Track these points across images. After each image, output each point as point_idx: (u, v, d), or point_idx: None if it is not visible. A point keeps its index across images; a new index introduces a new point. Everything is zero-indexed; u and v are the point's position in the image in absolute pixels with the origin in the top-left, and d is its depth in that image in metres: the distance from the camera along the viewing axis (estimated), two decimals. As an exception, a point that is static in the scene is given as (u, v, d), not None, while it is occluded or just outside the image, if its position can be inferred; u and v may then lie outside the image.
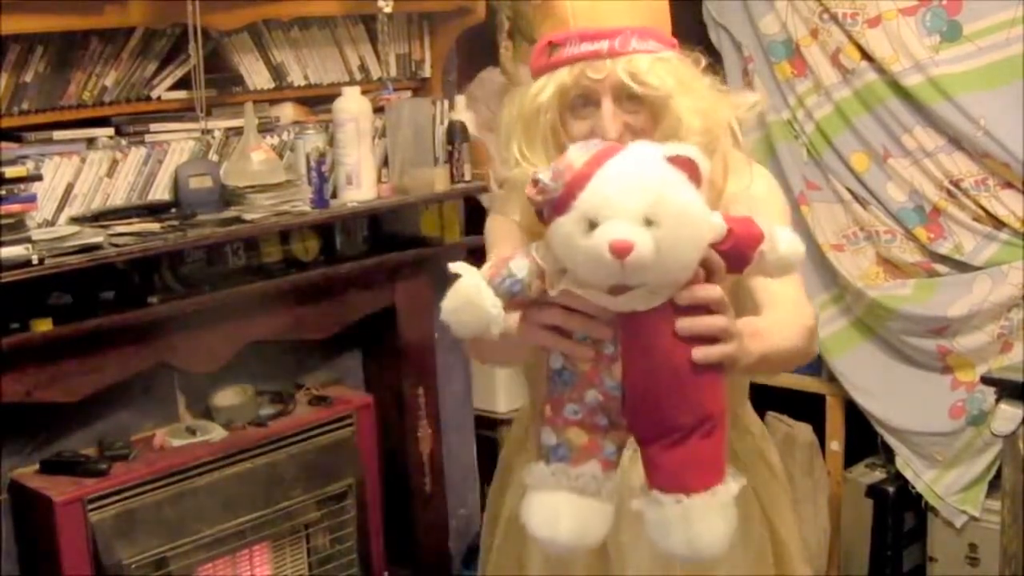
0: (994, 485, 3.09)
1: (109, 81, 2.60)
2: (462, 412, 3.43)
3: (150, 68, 2.66)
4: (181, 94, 2.70)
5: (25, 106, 2.49)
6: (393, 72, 3.08)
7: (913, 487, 3.28)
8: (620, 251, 1.16)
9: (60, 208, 2.51)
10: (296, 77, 2.94)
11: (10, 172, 2.34)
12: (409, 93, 3.17)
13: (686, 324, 1.25)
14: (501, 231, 1.71)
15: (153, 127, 2.68)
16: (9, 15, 2.33)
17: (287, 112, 2.95)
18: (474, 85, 3.41)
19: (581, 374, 1.28)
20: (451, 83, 3.32)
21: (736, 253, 1.28)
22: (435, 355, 3.22)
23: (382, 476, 3.12)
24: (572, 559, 1.70)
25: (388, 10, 2.90)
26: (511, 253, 1.31)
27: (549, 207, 1.24)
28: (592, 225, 1.19)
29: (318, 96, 3.00)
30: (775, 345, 1.45)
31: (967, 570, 3.20)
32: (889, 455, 3.36)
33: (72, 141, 2.55)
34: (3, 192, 2.32)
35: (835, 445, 3.40)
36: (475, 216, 3.15)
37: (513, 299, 1.27)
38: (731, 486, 1.28)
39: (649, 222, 1.18)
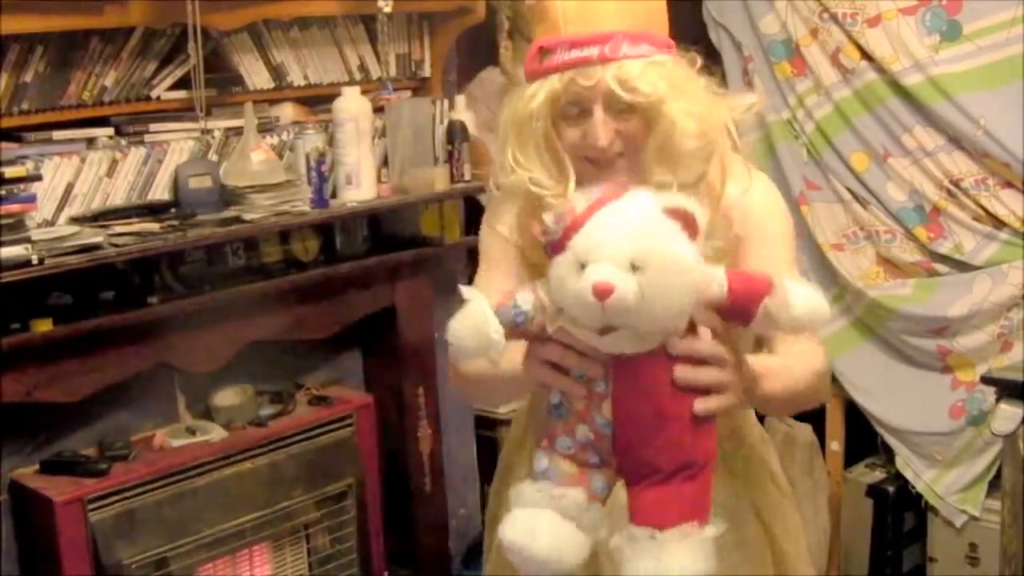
0: (994, 485, 3.09)
1: (109, 81, 2.60)
2: (462, 412, 3.43)
3: (150, 68, 2.66)
4: (181, 94, 2.70)
5: (25, 106, 2.49)
6: (393, 72, 3.08)
7: (913, 487, 3.29)
8: (601, 293, 1.21)
9: (60, 208, 2.51)
10: (296, 77, 2.94)
11: (10, 172, 2.34)
12: (409, 93, 3.17)
13: (686, 375, 1.28)
14: (495, 251, 1.71)
15: (153, 127, 2.68)
16: (9, 15, 2.33)
17: (287, 112, 2.95)
18: (474, 85, 3.41)
19: (575, 411, 1.33)
20: (451, 83, 3.32)
21: (738, 308, 1.31)
22: (435, 355, 3.21)
23: (382, 476, 3.12)
24: None
25: (388, 10, 2.91)
26: (515, 285, 1.39)
27: (550, 248, 1.30)
28: (583, 267, 1.24)
29: (318, 96, 3.00)
30: (779, 388, 1.47)
31: (967, 570, 3.20)
32: (889, 455, 3.36)
33: (72, 141, 2.55)
34: (3, 192, 2.32)
35: (835, 445, 3.40)
36: (475, 216, 3.13)
37: (515, 329, 1.32)
38: (708, 529, 1.29)
39: (635, 267, 1.22)
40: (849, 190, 3.26)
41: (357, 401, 3.08)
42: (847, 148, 3.23)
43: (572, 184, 1.54)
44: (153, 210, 2.60)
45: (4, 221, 2.30)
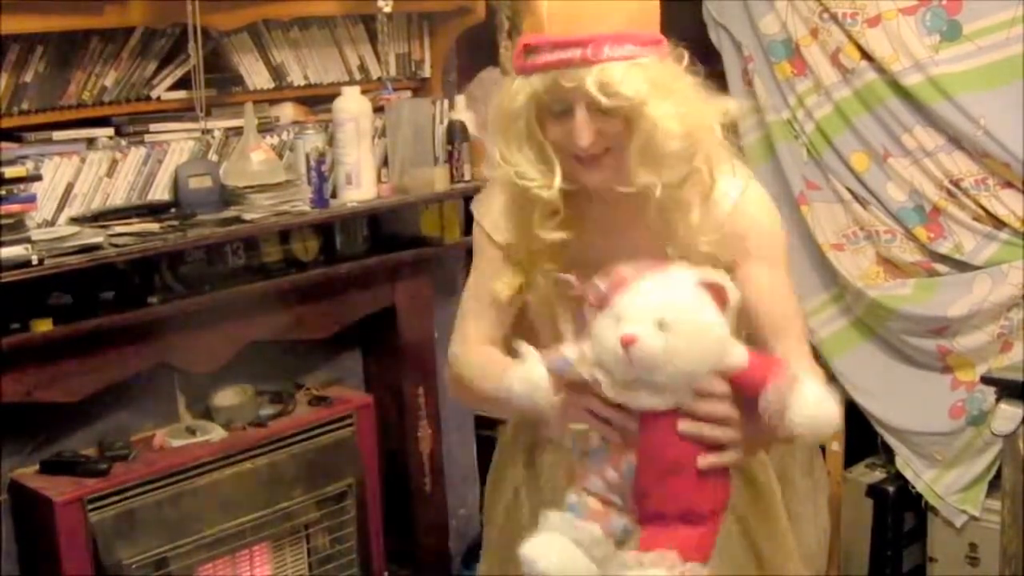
0: (994, 485, 3.09)
1: (109, 81, 2.60)
2: (462, 412, 3.43)
3: (150, 68, 2.66)
4: (181, 94, 2.70)
5: (25, 106, 2.49)
6: (393, 72, 3.08)
7: (913, 487, 3.28)
8: (627, 341, 1.37)
9: (60, 208, 2.51)
10: (296, 77, 2.94)
11: (10, 172, 2.34)
12: (409, 93, 3.17)
13: (689, 428, 1.40)
14: (483, 248, 1.73)
15: (153, 127, 2.68)
16: (9, 15, 2.33)
17: (287, 112, 2.95)
18: (474, 85, 3.40)
19: (609, 455, 1.47)
20: (451, 83, 3.32)
21: (747, 385, 1.43)
22: (435, 355, 3.21)
23: (382, 476, 3.12)
24: None
25: (388, 10, 2.91)
26: (500, 286, 1.65)
27: (597, 305, 1.45)
28: (619, 322, 1.40)
29: (318, 96, 3.00)
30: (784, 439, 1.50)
31: (967, 570, 3.20)
32: (889, 455, 3.36)
33: (72, 141, 2.55)
34: (3, 192, 2.32)
35: (835, 445, 3.39)
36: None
37: (560, 377, 1.47)
38: (696, 567, 1.38)
39: (663, 326, 1.37)
40: (849, 190, 3.25)
41: (357, 401, 3.08)
42: (847, 148, 3.23)
43: (558, 179, 1.56)
44: (153, 210, 2.60)
45: (4, 221, 2.30)
